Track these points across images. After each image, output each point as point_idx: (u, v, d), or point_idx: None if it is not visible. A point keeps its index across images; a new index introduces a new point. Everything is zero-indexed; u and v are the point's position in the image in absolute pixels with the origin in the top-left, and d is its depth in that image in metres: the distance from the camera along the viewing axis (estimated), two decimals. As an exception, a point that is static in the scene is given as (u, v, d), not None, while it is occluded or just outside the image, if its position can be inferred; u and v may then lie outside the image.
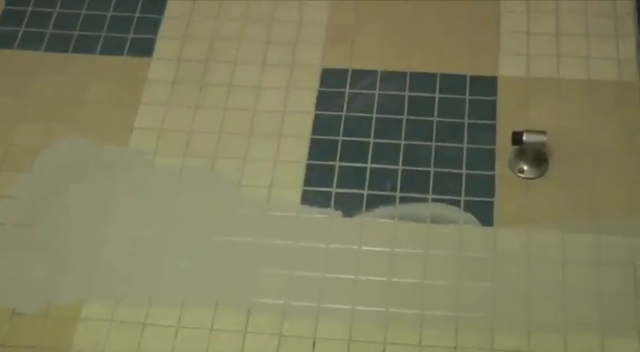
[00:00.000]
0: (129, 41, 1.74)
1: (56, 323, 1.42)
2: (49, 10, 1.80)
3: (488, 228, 1.46)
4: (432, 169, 1.53)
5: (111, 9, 1.79)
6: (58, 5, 1.80)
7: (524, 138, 1.44)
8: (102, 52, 1.73)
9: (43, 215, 1.53)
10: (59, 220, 1.52)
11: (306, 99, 1.65)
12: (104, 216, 1.52)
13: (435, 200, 1.50)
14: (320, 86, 1.66)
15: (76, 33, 1.76)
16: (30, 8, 1.80)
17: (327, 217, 1.50)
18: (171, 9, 1.79)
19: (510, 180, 1.51)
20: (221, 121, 1.62)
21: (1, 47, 1.75)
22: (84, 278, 1.46)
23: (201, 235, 1.49)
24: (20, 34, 1.77)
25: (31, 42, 1.75)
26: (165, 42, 1.74)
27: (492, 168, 1.52)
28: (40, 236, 1.51)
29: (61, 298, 1.44)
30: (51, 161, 1.59)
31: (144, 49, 1.73)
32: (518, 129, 1.47)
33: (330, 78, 1.67)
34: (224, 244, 1.48)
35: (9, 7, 1.81)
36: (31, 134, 1.62)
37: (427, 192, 1.51)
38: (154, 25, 1.77)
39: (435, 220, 1.48)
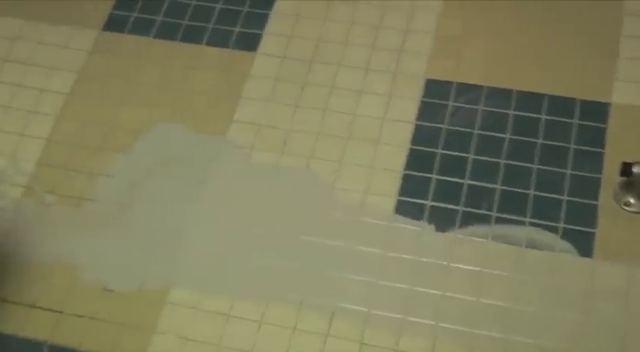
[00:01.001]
0: (235, 34, 1.77)
1: (143, 304, 1.45)
2: (162, -3, 1.84)
3: (586, 260, 1.43)
4: (531, 192, 1.51)
5: (220, 1, 1.82)
6: (171, -7, 1.85)
7: (634, 169, 1.40)
8: (208, 43, 1.76)
9: (138, 197, 1.56)
10: (153, 203, 1.55)
11: (407, 109, 1.64)
12: (197, 205, 1.54)
13: (532, 224, 1.47)
14: (422, 96, 1.65)
15: (185, 22, 1.79)
16: (144, -6, 1.85)
17: (419, 229, 1.49)
18: (279, 5, 1.81)
19: (615, 212, 1.47)
20: (320, 122, 1.63)
21: (113, 30, 1.79)
22: (173, 262, 1.49)
23: (291, 234, 1.50)
24: (132, 19, 1.81)
25: (141, 28, 1.79)
26: (271, 38, 1.76)
27: (596, 197, 1.49)
28: (134, 217, 1.54)
29: (150, 280, 1.47)
30: (150, 145, 1.62)
31: (249, 43, 1.75)
32: (629, 160, 1.43)
33: (434, 89, 1.66)
34: (313, 245, 1.49)
35: (124, -8, 1.86)
36: (133, 117, 1.66)
37: (525, 214, 1.48)
38: (262, 21, 1.78)
39: (530, 245, 1.46)
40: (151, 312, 1.44)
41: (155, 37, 1.78)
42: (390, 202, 1.52)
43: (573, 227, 1.46)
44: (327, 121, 1.63)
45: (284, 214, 1.52)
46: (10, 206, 1.58)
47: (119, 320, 1.44)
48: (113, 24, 1.80)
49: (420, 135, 1.60)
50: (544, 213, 1.48)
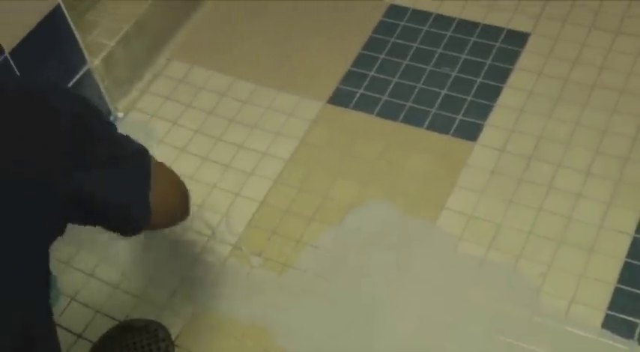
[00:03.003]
0: (457, 122, 1.82)
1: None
2: (389, 78, 1.93)
3: None
4: None
5: (446, 88, 1.89)
6: (398, 75, 1.93)
7: None
8: (429, 127, 1.82)
9: (340, 271, 1.62)
10: (354, 279, 1.60)
11: (627, 219, 1.61)
12: (396, 288, 1.58)
13: None
14: (645, 208, 1.63)
15: (409, 104, 1.87)
16: (372, 73, 1.94)
17: (628, 349, 1.45)
18: (504, 98, 1.85)
19: None
20: (533, 221, 1.63)
21: (338, 104, 1.90)
22: (367, 342, 1.52)
23: (488, 331, 1.50)
24: (358, 95, 1.91)
25: (365, 104, 1.88)
26: (492, 130, 1.80)
27: None
28: (334, 290, 1.59)
29: (342, 358, 1.51)
30: (359, 221, 1.69)
31: (470, 132, 1.80)
32: None
33: (658, 203, 1.63)
34: (510, 347, 1.47)
35: (353, 69, 1.96)
36: (346, 191, 1.73)
37: None
38: (485, 111, 1.83)
39: None
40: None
41: (378, 115, 1.86)
42: (597, 315, 1.49)
43: None
44: (540, 221, 1.63)
45: (483, 310, 1.53)
46: (217, 262, 1.68)
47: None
48: (339, 97, 1.91)
49: (638, 249, 1.57)
50: None
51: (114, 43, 1.91)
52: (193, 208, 1.72)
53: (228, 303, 1.61)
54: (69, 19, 1.72)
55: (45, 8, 1.64)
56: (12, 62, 1.59)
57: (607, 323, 1.48)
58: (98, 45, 1.90)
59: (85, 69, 1.82)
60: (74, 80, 1.79)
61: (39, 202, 0.86)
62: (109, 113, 1.93)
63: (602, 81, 1.84)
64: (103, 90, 1.90)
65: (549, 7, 2.02)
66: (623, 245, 1.58)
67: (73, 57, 1.78)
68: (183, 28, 2.15)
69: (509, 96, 1.85)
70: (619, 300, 1.51)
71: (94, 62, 1.85)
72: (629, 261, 1.55)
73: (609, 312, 1.49)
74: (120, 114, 1.95)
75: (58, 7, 1.67)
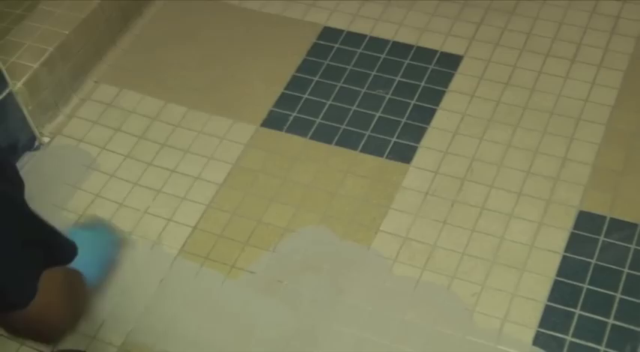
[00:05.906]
0: (391, 144, 1.99)
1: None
2: (323, 100, 2.09)
3: None
4: (680, 341, 1.62)
5: (380, 110, 2.06)
6: (332, 97, 2.09)
7: None
8: (363, 150, 1.98)
9: (275, 296, 1.75)
10: (288, 305, 1.74)
11: (556, 239, 1.79)
12: (331, 311, 1.72)
13: (677, 374, 1.58)
14: (573, 228, 1.80)
15: (343, 127, 2.03)
16: (306, 96, 2.10)
17: (557, 365, 1.63)
18: (438, 120, 2.03)
19: None
20: (466, 242, 1.80)
21: (272, 127, 2.05)
22: (303, 365, 1.67)
23: (423, 352, 1.67)
24: (291, 118, 2.06)
25: (299, 127, 2.04)
26: (426, 152, 1.97)
27: None
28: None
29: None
30: (294, 245, 1.83)
31: (404, 155, 1.97)
32: None
33: (586, 222, 1.81)
34: (445, 366, 1.64)
35: (286, 92, 2.12)
36: (280, 216, 1.88)
37: (671, 364, 1.60)
38: (419, 134, 2.00)
39: (673, 396, 1.56)
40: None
41: (311, 138, 2.02)
42: (528, 333, 1.66)
43: None
44: (473, 242, 1.80)
45: (418, 331, 1.68)
46: (150, 288, 1.80)
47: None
48: (272, 121, 2.06)
49: (567, 267, 1.74)
50: (691, 365, 1.59)
51: (38, 65, 2.03)
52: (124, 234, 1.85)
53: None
54: (-15, 39, 1.80)
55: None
56: None
57: (538, 341, 1.65)
58: (21, 67, 2.01)
59: (6, 92, 1.92)
60: (-5, 104, 1.89)
61: None
62: (34, 139, 2.03)
63: (533, 102, 2.04)
64: (26, 114, 2.00)
65: (481, 30, 2.22)
66: (553, 263, 1.76)
67: (-7, 80, 1.88)
68: (112, 50, 2.28)
69: (442, 119, 2.03)
70: (548, 318, 1.68)
71: (17, 85, 1.96)
72: (558, 278, 1.73)
73: (540, 330, 1.66)
74: (45, 140, 2.05)
75: (-29, 26, 1.76)
